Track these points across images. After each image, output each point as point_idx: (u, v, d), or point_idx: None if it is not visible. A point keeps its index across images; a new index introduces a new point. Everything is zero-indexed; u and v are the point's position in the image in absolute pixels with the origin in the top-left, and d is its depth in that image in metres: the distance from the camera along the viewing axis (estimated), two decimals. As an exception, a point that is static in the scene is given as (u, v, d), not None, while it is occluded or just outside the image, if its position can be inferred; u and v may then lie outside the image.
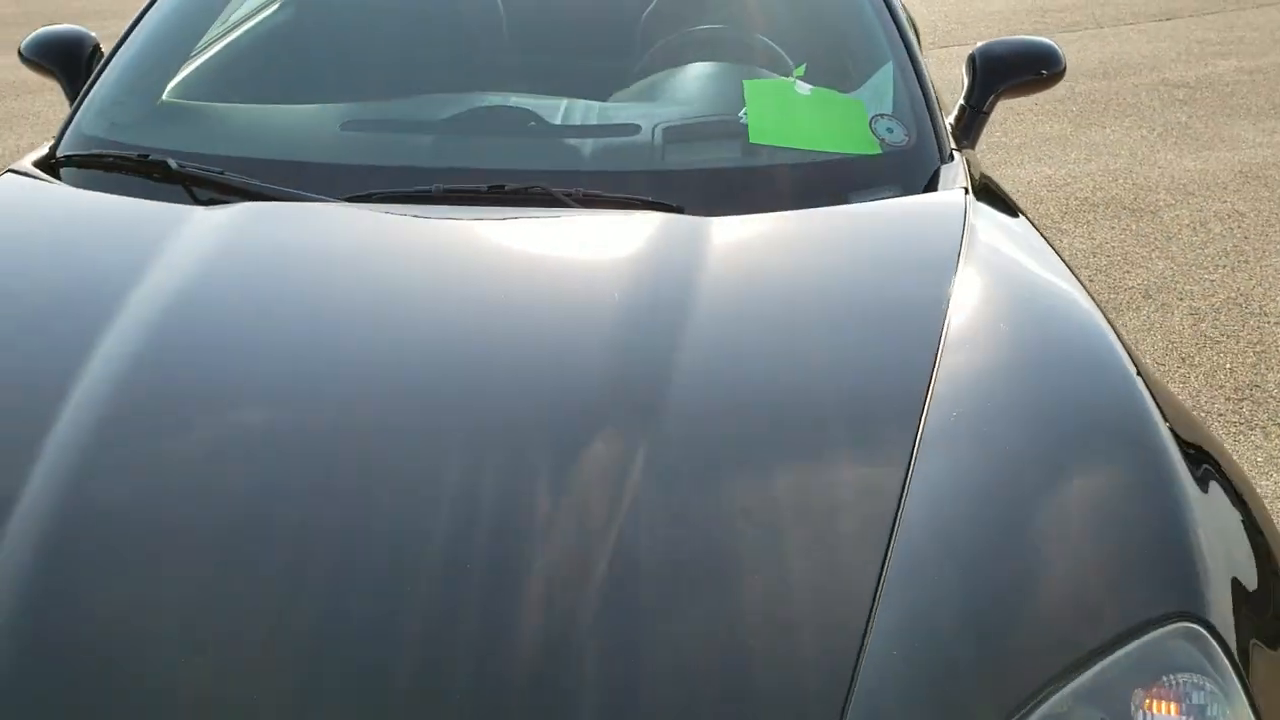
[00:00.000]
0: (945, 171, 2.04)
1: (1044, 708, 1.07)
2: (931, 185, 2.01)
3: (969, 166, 2.10)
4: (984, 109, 2.41)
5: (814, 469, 1.30)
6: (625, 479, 1.23)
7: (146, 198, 1.89)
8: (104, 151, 2.03)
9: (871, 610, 1.11)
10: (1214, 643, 1.14)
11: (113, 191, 1.93)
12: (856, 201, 1.96)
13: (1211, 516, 1.28)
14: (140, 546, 1.20)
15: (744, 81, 2.24)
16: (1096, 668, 1.11)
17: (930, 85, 2.21)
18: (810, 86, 2.18)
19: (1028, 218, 1.99)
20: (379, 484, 1.25)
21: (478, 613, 1.10)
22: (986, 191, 2.03)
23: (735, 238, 1.77)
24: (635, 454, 1.26)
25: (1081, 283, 1.71)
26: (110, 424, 1.32)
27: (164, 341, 1.47)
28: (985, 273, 1.65)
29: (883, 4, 2.37)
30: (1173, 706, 1.10)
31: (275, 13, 2.65)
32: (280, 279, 1.70)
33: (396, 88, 2.31)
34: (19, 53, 2.48)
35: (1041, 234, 1.89)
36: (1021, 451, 1.34)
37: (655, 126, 2.11)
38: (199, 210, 1.81)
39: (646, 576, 1.14)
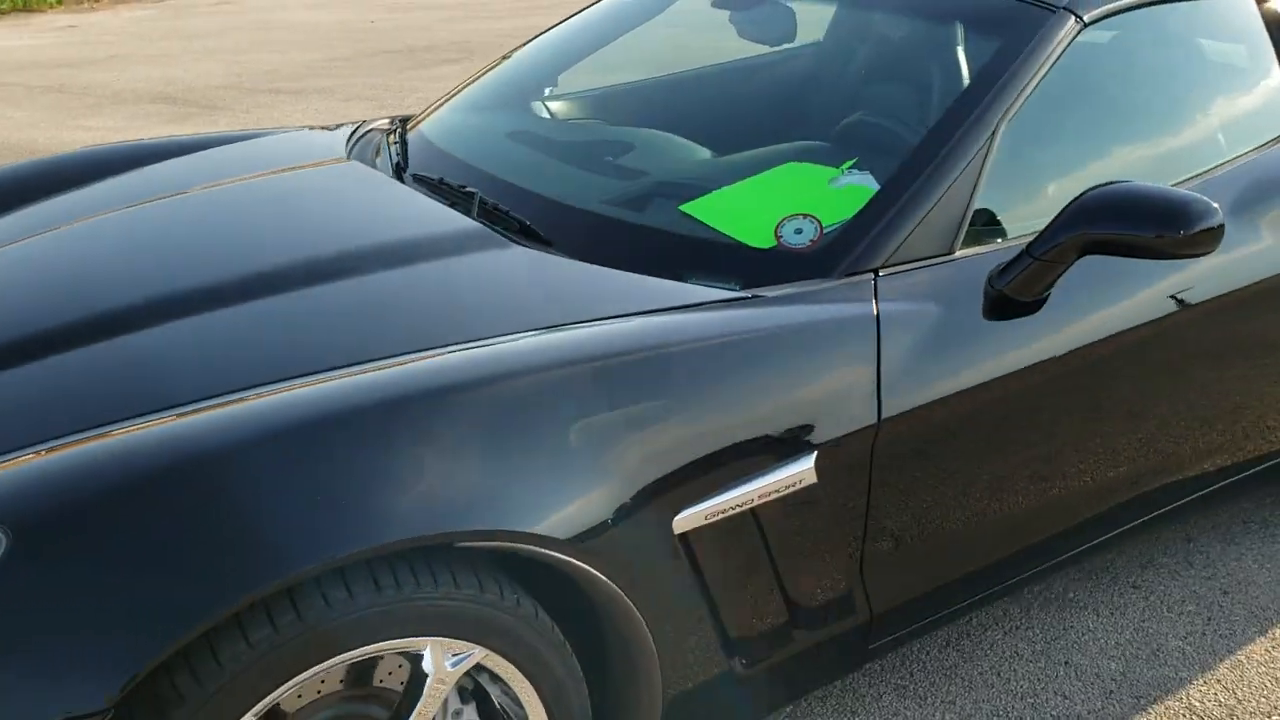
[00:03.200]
0: (814, 289, 1.94)
1: None
2: (761, 284, 1.97)
3: (869, 297, 1.93)
4: (1041, 255, 1.97)
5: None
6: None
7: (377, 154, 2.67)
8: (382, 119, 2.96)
9: None
10: None
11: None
12: (687, 280, 1.98)
13: None
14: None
15: (789, 163, 2.30)
16: None
17: (916, 206, 2.03)
18: (853, 180, 2.15)
19: None
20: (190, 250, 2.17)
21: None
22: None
23: (500, 264, 2.06)
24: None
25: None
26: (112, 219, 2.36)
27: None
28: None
29: (959, 115, 2.15)
30: None
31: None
32: (261, 193, 2.48)
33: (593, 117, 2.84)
34: None
35: None
36: None
37: (656, 182, 2.33)
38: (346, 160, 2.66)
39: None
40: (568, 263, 2.05)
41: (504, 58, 3.09)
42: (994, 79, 2.17)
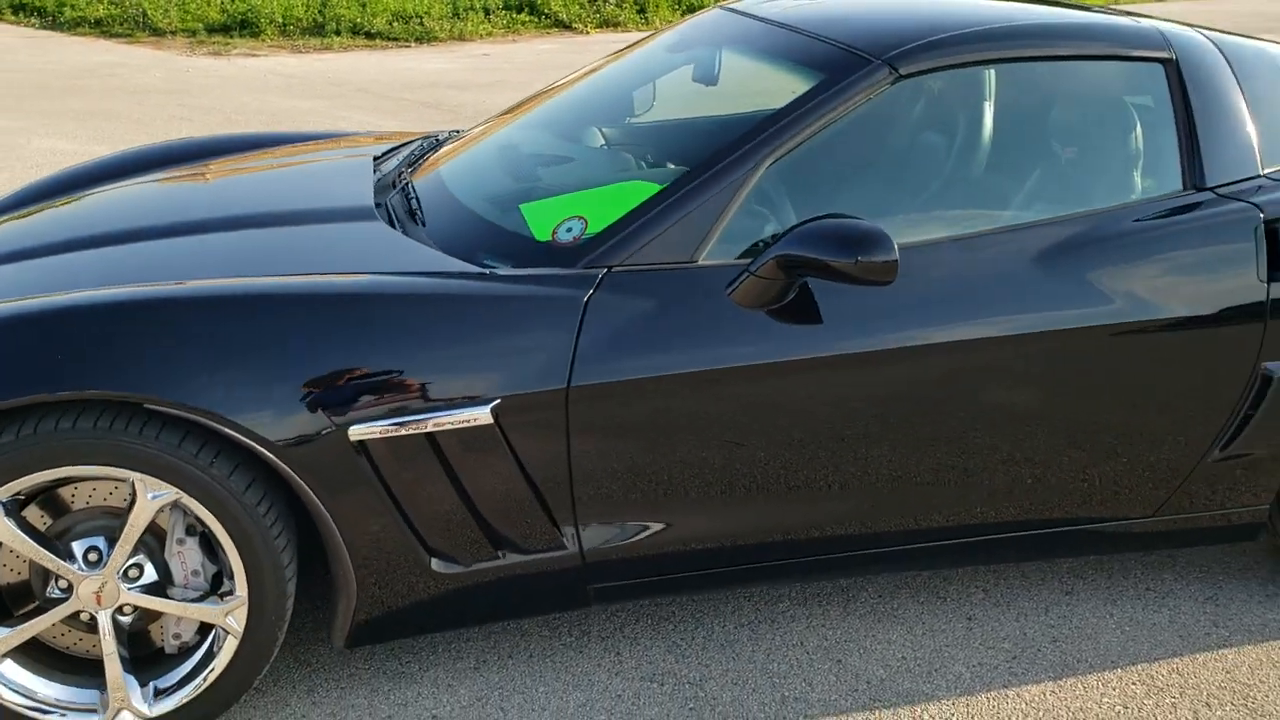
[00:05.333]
0: (534, 281, 2.35)
1: None
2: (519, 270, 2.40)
3: (588, 287, 2.32)
4: (754, 271, 2.33)
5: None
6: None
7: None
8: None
9: None
10: None
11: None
12: (475, 262, 2.45)
13: None
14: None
15: (634, 181, 2.72)
16: None
17: (659, 221, 2.39)
18: None
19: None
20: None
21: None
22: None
23: (350, 232, 2.68)
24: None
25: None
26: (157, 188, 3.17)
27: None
28: None
29: (728, 147, 2.48)
30: None
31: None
32: (283, 173, 3.30)
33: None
34: None
35: None
36: None
37: (535, 187, 2.81)
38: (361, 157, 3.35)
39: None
40: (394, 235, 2.60)
41: (541, 93, 3.62)
42: (778, 119, 2.47)
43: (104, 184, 3.31)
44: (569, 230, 2.48)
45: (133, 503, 2.20)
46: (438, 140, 3.43)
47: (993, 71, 2.64)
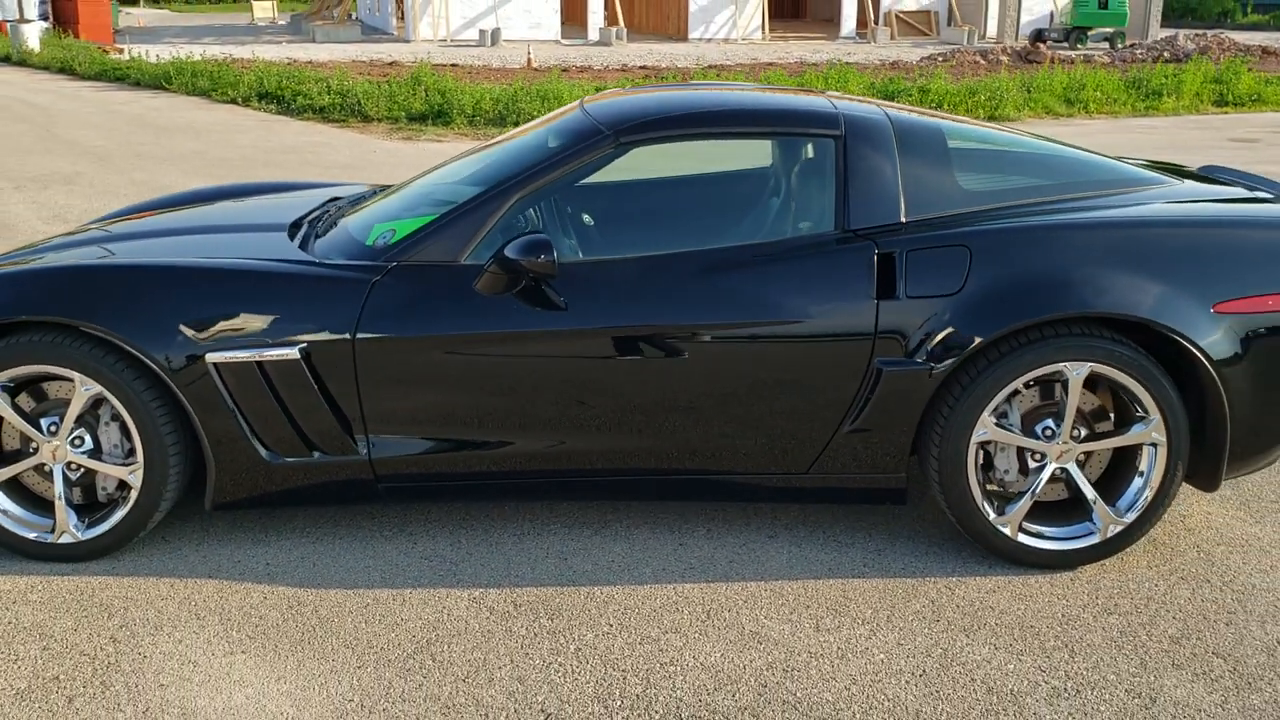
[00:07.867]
0: (344, 269, 3.52)
1: None
2: (341, 261, 3.58)
3: (377, 274, 3.46)
4: (488, 266, 3.38)
5: None
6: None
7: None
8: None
9: None
10: None
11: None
12: (324, 258, 3.61)
13: None
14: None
15: None
16: None
17: (435, 233, 3.53)
18: None
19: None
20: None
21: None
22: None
23: (260, 237, 3.90)
24: None
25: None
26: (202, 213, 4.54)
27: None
28: None
29: (492, 185, 3.60)
30: None
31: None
32: (260, 203, 4.68)
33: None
34: None
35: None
36: None
37: (406, 213, 3.94)
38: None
39: None
40: (283, 241, 3.82)
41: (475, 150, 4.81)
42: (529, 168, 3.58)
43: (200, 204, 4.77)
44: (383, 238, 3.64)
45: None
46: (389, 186, 4.67)
47: (700, 142, 3.65)
